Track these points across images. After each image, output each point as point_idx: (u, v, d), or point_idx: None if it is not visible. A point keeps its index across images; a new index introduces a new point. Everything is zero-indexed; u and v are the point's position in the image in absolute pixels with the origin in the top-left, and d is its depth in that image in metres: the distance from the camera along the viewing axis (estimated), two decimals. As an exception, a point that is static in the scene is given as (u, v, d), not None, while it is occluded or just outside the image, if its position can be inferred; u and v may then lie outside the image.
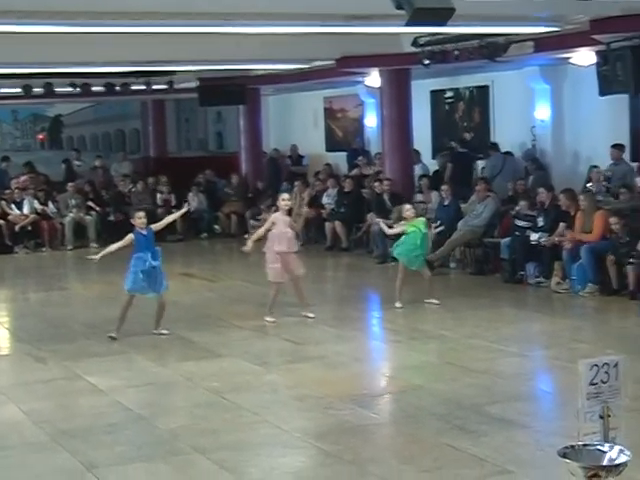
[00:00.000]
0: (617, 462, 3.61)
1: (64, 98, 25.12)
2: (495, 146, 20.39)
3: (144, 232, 12.30)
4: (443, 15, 7.60)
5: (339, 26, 11.67)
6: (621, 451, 3.66)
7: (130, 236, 12.45)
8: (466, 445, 8.03)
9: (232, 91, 22.58)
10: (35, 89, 22.52)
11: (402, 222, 14.33)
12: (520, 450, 8.01)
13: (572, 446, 3.72)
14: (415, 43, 16.82)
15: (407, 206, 14.51)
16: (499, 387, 9.92)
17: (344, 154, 24.58)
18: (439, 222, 16.88)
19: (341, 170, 23.74)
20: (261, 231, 13.58)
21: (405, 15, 7.63)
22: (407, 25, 7.78)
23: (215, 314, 14.05)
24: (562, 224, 15.29)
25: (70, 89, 22.87)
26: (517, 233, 15.99)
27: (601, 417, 4.05)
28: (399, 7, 7.56)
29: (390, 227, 14.77)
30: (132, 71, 21.12)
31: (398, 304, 13.76)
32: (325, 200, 21.06)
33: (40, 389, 10.41)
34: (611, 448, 3.68)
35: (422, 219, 14.19)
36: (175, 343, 12.20)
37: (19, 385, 10.78)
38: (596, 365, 4.23)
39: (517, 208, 16.45)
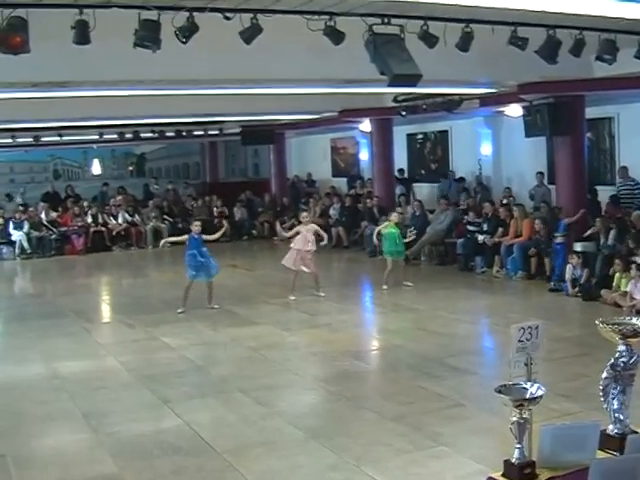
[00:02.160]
0: (535, 395, 3.61)
1: (147, 141, 25.11)
2: (451, 173, 20.46)
3: (196, 236, 12.34)
4: (413, 79, 7.60)
5: (340, 87, 11.63)
6: (539, 388, 3.66)
7: (186, 236, 12.58)
8: (432, 386, 8.05)
9: (264, 134, 22.56)
10: (127, 135, 22.58)
11: (385, 224, 14.39)
12: (470, 389, 8.02)
13: (505, 385, 3.72)
14: (395, 99, 16.78)
15: (395, 213, 14.61)
16: (455, 345, 9.92)
17: (345, 179, 24.57)
18: (413, 228, 16.90)
19: (342, 190, 23.66)
20: (289, 234, 13.66)
21: (386, 79, 7.64)
22: (389, 86, 7.76)
23: (252, 294, 14.05)
24: (500, 229, 15.29)
25: (151, 134, 22.88)
26: (468, 235, 15.95)
27: (525, 365, 4.04)
28: (382, 73, 7.57)
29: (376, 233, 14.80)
30: (194, 121, 21.18)
31: (385, 286, 13.74)
32: (331, 212, 21.07)
33: (130, 346, 10.45)
34: (532, 386, 3.68)
35: (395, 224, 14.16)
36: (224, 314, 12.19)
37: (115, 343, 10.81)
38: (523, 328, 4.22)
39: (467, 218, 16.43)
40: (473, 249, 15.61)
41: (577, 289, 12.57)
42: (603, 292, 11.94)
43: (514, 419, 3.60)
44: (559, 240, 13.72)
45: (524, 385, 3.70)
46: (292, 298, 12.97)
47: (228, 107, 16.03)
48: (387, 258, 14.03)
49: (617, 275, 11.90)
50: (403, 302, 12.79)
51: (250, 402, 7.78)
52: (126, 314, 12.51)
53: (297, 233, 13.19)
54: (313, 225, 13.47)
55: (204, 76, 10.01)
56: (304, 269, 13.06)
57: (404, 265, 14.42)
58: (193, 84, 10.44)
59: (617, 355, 3.85)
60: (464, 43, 8.08)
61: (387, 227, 14.10)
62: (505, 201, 16.94)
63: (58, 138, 21.77)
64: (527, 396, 3.59)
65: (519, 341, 4.17)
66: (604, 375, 3.87)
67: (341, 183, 24.45)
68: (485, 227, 15.69)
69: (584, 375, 7.99)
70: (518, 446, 3.65)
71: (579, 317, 11.76)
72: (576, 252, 13.03)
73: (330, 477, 5.90)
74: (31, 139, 21.37)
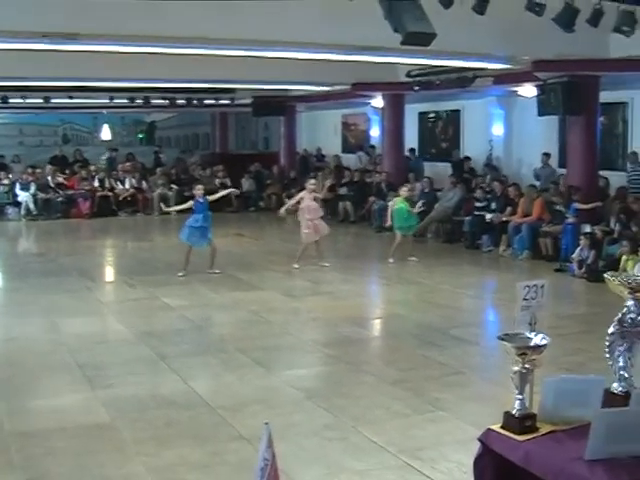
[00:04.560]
0: (539, 344, 3.49)
1: (157, 108, 24.97)
2: (456, 153, 20.30)
3: (201, 200, 12.26)
4: (427, 38, 7.43)
5: (353, 54, 11.44)
6: (543, 337, 3.55)
7: (191, 202, 12.50)
8: (433, 355, 7.97)
9: (276, 106, 22.43)
10: (137, 100, 22.42)
11: (394, 200, 14.26)
12: (472, 359, 7.94)
13: (508, 333, 3.61)
14: (408, 74, 16.62)
15: (404, 188, 14.44)
16: (459, 317, 9.85)
17: (354, 155, 24.35)
18: (422, 203, 16.78)
19: (352, 166, 23.45)
20: (291, 202, 13.59)
21: (400, 37, 7.47)
22: (402, 44, 7.56)
23: (257, 261, 13.96)
24: (509, 208, 15.16)
25: (161, 101, 22.73)
26: (476, 213, 15.82)
27: (529, 324, 3.93)
28: (396, 31, 7.41)
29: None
30: (206, 88, 20.98)
31: (391, 260, 13.62)
32: (340, 188, 20.85)
33: (130, 305, 10.40)
34: (536, 335, 3.57)
35: (403, 199, 14.02)
36: (227, 279, 12.11)
37: (116, 302, 10.79)
38: (528, 286, 4.12)
39: (475, 196, 16.30)
40: (480, 227, 15.49)
41: (583, 270, 12.45)
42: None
43: (516, 368, 3.49)
44: (570, 221, 13.57)
45: (528, 334, 3.58)
46: (295, 266, 12.87)
47: (239, 73, 15.84)
48: (397, 233, 13.90)
49: (624, 257, 11.77)
50: (408, 275, 12.68)
51: (249, 362, 7.71)
52: (129, 275, 12.46)
53: (299, 202, 13.11)
54: (315, 193, 13.37)
55: (214, 34, 9.85)
56: (323, 233, 13.03)
57: (412, 240, 14.28)
58: (203, 42, 10.25)
59: (625, 310, 3.73)
60: (480, 6, 7.92)
61: (397, 203, 13.96)
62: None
63: (68, 100, 21.63)
64: (530, 344, 3.48)
65: (524, 299, 4.07)
66: (610, 330, 3.74)
67: (350, 160, 24.27)
68: (493, 206, 15.56)
69: (587, 351, 7.90)
70: (519, 397, 3.54)
71: (584, 297, 11.65)
72: (584, 234, 12.90)
73: (325, 435, 5.82)
74: (41, 100, 21.24)
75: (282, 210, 13.77)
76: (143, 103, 22.63)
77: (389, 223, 14.24)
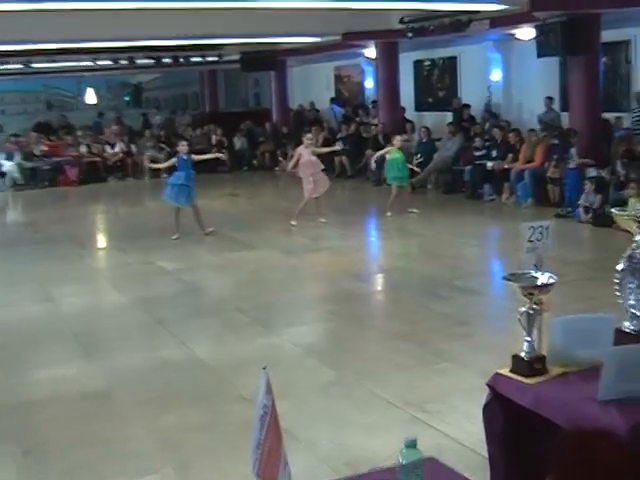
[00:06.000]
0: (547, 283, 3.44)
1: (143, 69, 24.70)
2: (457, 100, 20.09)
3: (184, 157, 12.17)
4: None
5: (343, 1, 11.27)
6: (550, 277, 3.49)
7: (174, 159, 12.43)
8: (437, 306, 7.95)
9: (265, 60, 22.18)
10: (122, 61, 22.13)
11: (388, 149, 14.20)
12: (477, 309, 7.93)
13: (514, 273, 3.56)
14: (401, 21, 16.39)
15: (398, 137, 14.35)
16: (462, 267, 9.81)
17: (350, 109, 24.15)
18: (419, 155, 16.73)
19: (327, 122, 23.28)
20: (293, 162, 13.51)
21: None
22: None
23: (253, 220, 13.88)
24: (510, 155, 15.07)
25: (147, 60, 22.46)
26: (476, 162, 15.73)
27: (535, 266, 3.86)
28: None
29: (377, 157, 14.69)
30: (192, 44, 20.71)
31: (389, 213, 13.53)
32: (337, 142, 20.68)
33: (124, 270, 10.38)
34: (543, 274, 3.52)
35: (398, 149, 13.95)
36: (222, 240, 12.07)
37: (109, 267, 10.79)
38: (533, 227, 4.06)
39: (474, 144, 16.21)
40: (481, 176, 15.40)
41: (590, 215, 12.40)
42: (616, 216, 11.76)
43: (523, 309, 3.45)
44: (572, 165, 13.50)
45: (534, 273, 3.53)
46: (293, 224, 12.81)
47: (226, 27, 15.64)
48: (392, 185, 13.84)
49: (632, 200, 11.69)
50: (408, 227, 12.66)
51: (248, 321, 7.70)
52: (121, 240, 12.42)
53: (298, 160, 13.05)
54: (313, 148, 13.34)
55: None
56: (325, 187, 13.05)
57: (410, 192, 14.22)
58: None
59: (634, 246, 3.68)
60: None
61: (391, 152, 13.90)
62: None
63: (50, 65, 21.39)
64: (537, 283, 3.43)
65: (529, 241, 4.01)
66: (620, 267, 3.69)
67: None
68: (494, 153, 15.46)
69: (593, 297, 7.86)
70: (527, 339, 3.50)
71: (591, 242, 11.62)
72: (589, 178, 12.83)
73: (329, 391, 5.81)
74: (21, 65, 21.00)
75: (288, 168, 13.88)
76: (128, 64, 22.36)
77: (373, 167, 14.14)
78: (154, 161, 19.76)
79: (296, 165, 13.25)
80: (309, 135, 13.95)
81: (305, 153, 13.03)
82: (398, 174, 13.76)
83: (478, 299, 8.24)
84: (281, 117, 24.29)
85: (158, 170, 14.86)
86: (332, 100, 24.25)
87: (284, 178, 13.84)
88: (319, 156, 13.40)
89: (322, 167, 13.24)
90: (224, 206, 14.89)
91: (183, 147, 12.33)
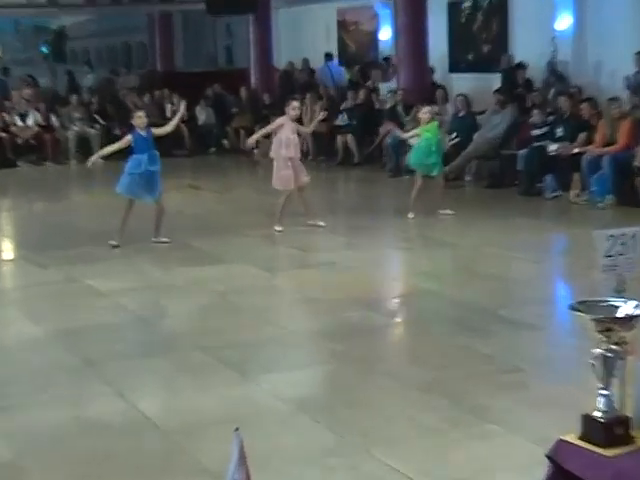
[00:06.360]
0: (632, 315, 3.45)
1: (67, 8, 24.75)
2: (508, 58, 20.21)
3: (143, 133, 12.16)
4: None
5: None
6: (637, 305, 3.51)
7: (128, 137, 12.35)
8: (477, 345, 7.99)
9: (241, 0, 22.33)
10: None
11: (415, 131, 14.26)
12: (531, 350, 7.96)
13: (585, 301, 3.58)
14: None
15: (425, 108, 14.33)
16: (512, 292, 9.92)
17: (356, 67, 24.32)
18: (455, 134, 16.80)
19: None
20: (266, 130, 13.56)
21: None
22: None
23: (222, 224, 13.96)
24: (583, 134, 15.14)
25: (74, -1, 22.62)
26: (535, 144, 15.80)
27: (616, 291, 3.90)
28: None
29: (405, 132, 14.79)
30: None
31: (411, 214, 13.63)
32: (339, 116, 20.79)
33: (40, 291, 10.40)
34: (626, 302, 3.54)
35: (435, 123, 13.98)
36: (179, 250, 12.11)
37: (19, 288, 10.83)
38: (612, 236, 4.09)
39: (532, 120, 16.28)
40: (541, 164, 15.49)
41: (692, 219, 12.49)
42: None
43: (598, 351, 3.47)
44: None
45: (613, 302, 3.56)
46: (278, 229, 12.87)
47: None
48: (416, 173, 13.91)
49: None
50: (437, 235, 12.76)
51: (214, 364, 7.73)
52: (36, 249, 12.45)
53: (274, 133, 13.15)
54: (300, 127, 13.45)
55: None
56: (305, 180, 13.14)
57: (442, 186, 14.26)
58: None
59: None
60: None
61: (420, 135, 13.88)
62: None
63: None
64: (618, 315, 3.45)
65: (607, 256, 4.05)
66: None
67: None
68: (560, 132, 15.54)
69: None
70: (604, 393, 3.53)
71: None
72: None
73: (327, 464, 5.83)
74: None
75: (250, 140, 13.77)
76: (47, 1, 22.49)
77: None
78: (84, 139, 19.83)
79: (268, 137, 13.25)
80: (295, 103, 13.61)
81: (287, 127, 13.04)
82: (426, 160, 13.78)
83: (533, 336, 8.30)
84: (262, 80, 24.46)
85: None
86: (327, 56, 24.30)
87: (266, 165, 13.88)
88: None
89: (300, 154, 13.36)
90: (182, 203, 14.90)
91: (140, 119, 12.30)
